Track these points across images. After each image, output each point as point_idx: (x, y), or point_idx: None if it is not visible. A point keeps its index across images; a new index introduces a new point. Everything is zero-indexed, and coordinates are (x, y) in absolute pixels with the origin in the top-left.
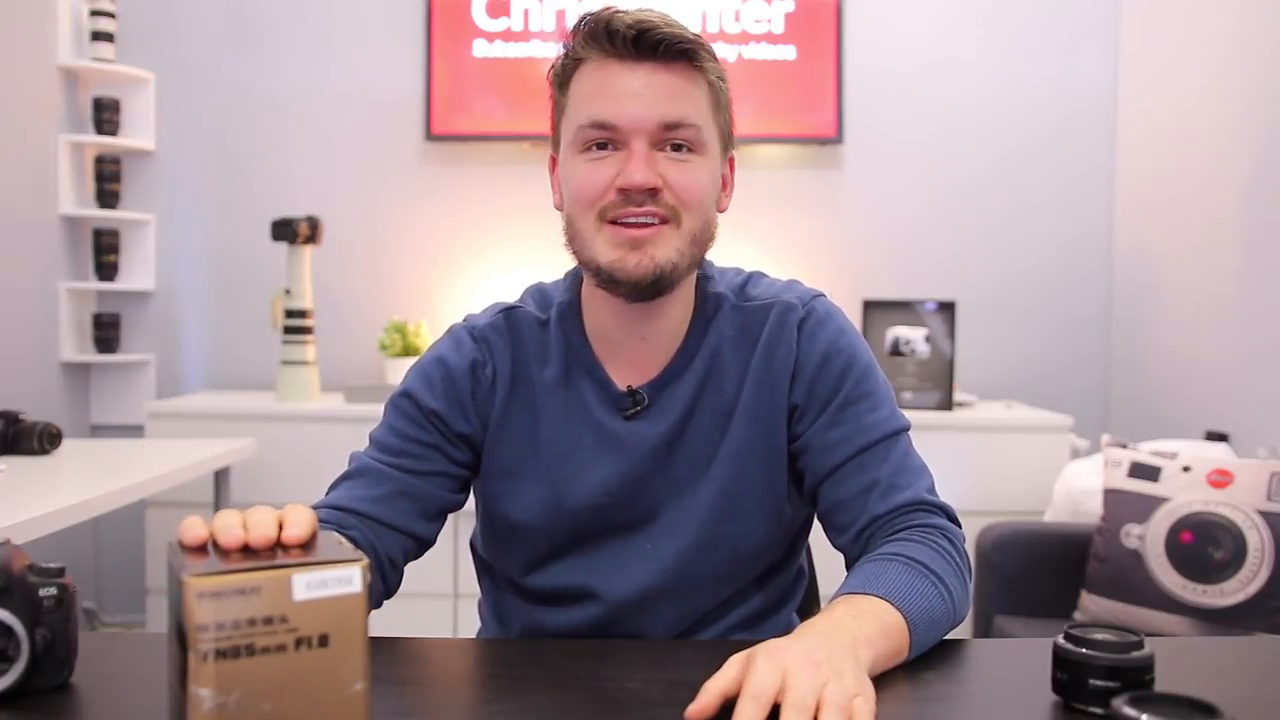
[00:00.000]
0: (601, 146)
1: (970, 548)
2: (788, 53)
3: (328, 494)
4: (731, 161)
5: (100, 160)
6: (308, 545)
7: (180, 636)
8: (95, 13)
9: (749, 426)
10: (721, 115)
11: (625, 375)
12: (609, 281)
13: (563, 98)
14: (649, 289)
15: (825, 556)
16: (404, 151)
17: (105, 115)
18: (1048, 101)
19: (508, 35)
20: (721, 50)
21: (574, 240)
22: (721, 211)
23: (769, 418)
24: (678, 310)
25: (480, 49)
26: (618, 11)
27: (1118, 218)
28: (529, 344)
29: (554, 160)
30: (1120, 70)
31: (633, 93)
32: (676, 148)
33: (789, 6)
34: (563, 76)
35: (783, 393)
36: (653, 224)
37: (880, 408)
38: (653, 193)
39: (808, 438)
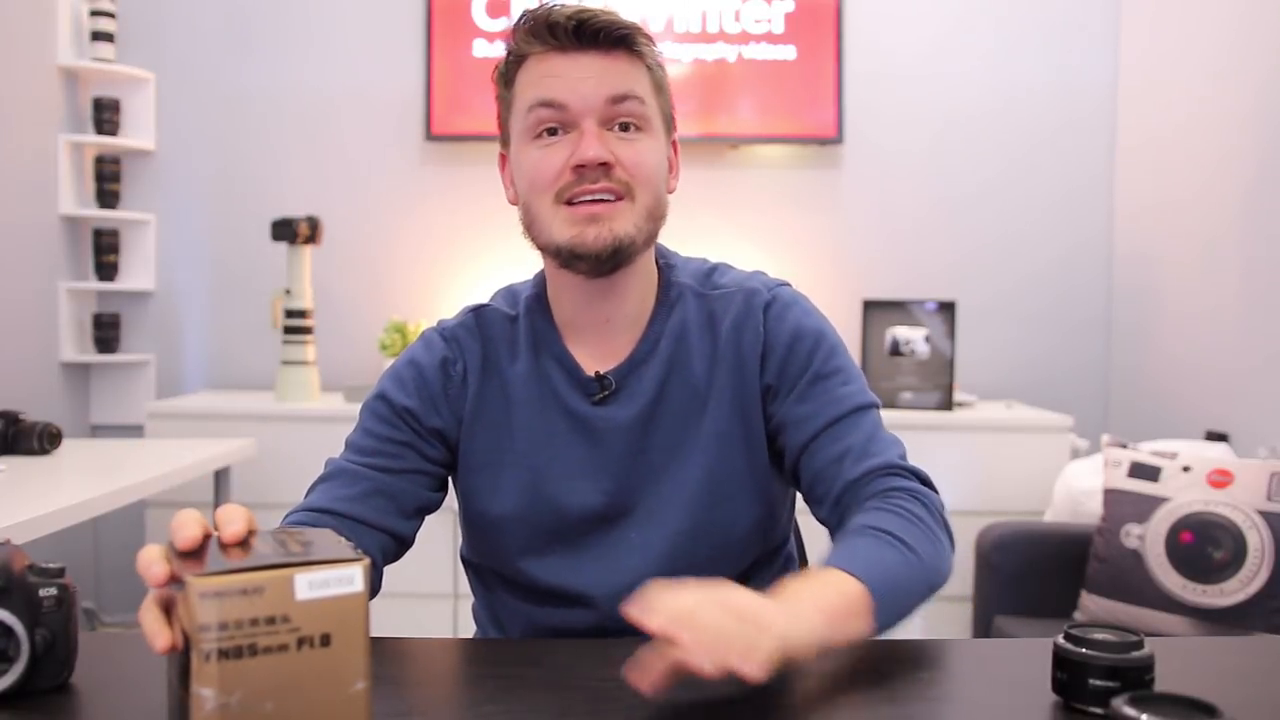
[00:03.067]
0: (552, 133)
1: (970, 548)
2: (788, 53)
3: (304, 498)
4: (675, 145)
5: (100, 160)
6: (246, 542)
7: (182, 636)
8: (95, 13)
9: (725, 410)
10: (663, 99)
11: (593, 361)
12: (570, 258)
13: (508, 93)
14: (609, 260)
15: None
16: (404, 151)
17: (105, 115)
18: (1048, 103)
19: (507, 35)
20: (721, 50)
21: (532, 225)
22: (670, 193)
23: (743, 401)
24: (638, 292)
25: (480, 49)
26: (556, 6)
27: (1118, 219)
28: (499, 339)
29: (503, 157)
30: (1121, 72)
31: (578, 76)
32: (625, 127)
33: (789, 6)
34: (508, 75)
35: (754, 374)
36: (608, 200)
37: (851, 383)
38: (606, 169)
39: (782, 415)
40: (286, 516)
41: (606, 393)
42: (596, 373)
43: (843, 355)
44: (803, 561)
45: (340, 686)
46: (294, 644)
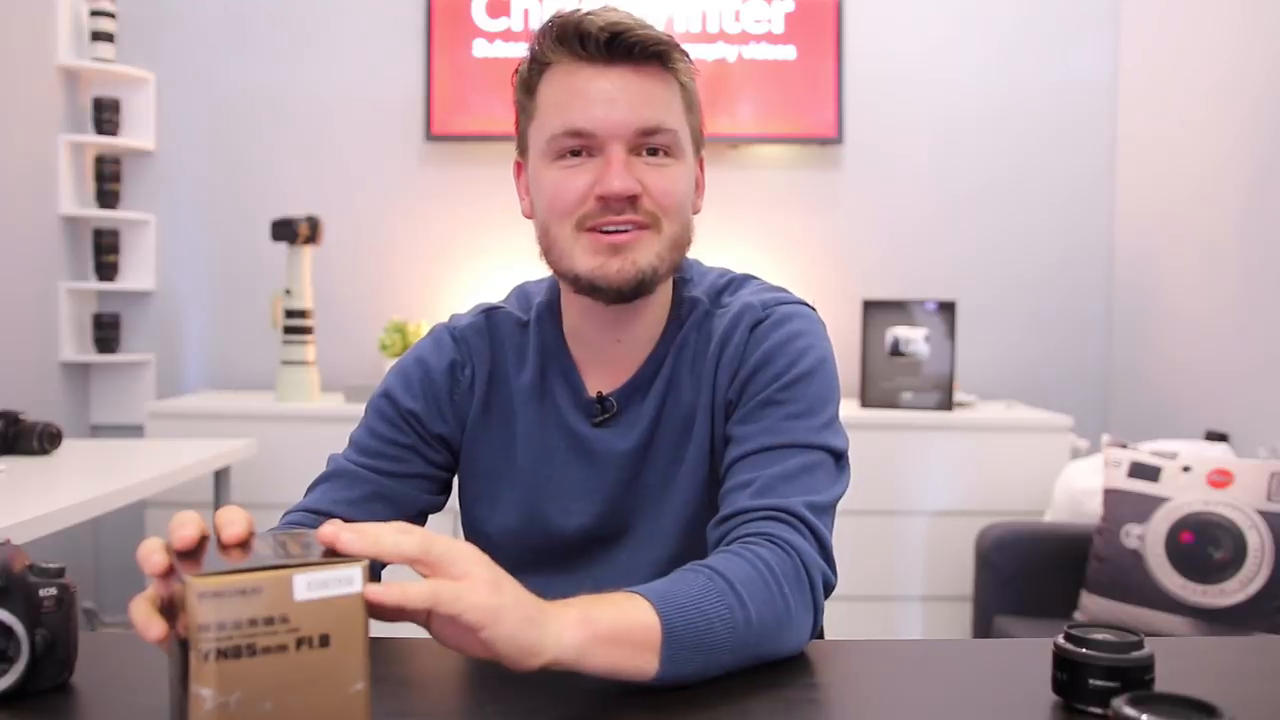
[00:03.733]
0: (575, 154)
1: (970, 548)
2: (788, 53)
3: (305, 496)
4: (701, 162)
5: (100, 160)
6: (245, 544)
7: (181, 631)
8: (95, 13)
9: (705, 432)
10: (693, 117)
11: (599, 380)
12: (589, 289)
13: (530, 102)
14: (630, 294)
15: None
16: (404, 151)
17: (105, 115)
18: (1049, 104)
19: (508, 35)
20: (721, 50)
21: (550, 250)
22: (695, 213)
23: (715, 421)
24: (652, 315)
25: (480, 49)
26: (588, 13)
27: (1118, 220)
28: (508, 346)
29: (519, 165)
30: (1121, 74)
31: (607, 98)
32: (653, 152)
33: (789, 6)
34: (529, 81)
35: (724, 391)
36: (629, 230)
37: (804, 417)
38: (632, 200)
39: (727, 432)
40: (285, 515)
41: (607, 415)
42: (599, 394)
43: (813, 388)
44: None
45: (339, 687)
46: (293, 644)
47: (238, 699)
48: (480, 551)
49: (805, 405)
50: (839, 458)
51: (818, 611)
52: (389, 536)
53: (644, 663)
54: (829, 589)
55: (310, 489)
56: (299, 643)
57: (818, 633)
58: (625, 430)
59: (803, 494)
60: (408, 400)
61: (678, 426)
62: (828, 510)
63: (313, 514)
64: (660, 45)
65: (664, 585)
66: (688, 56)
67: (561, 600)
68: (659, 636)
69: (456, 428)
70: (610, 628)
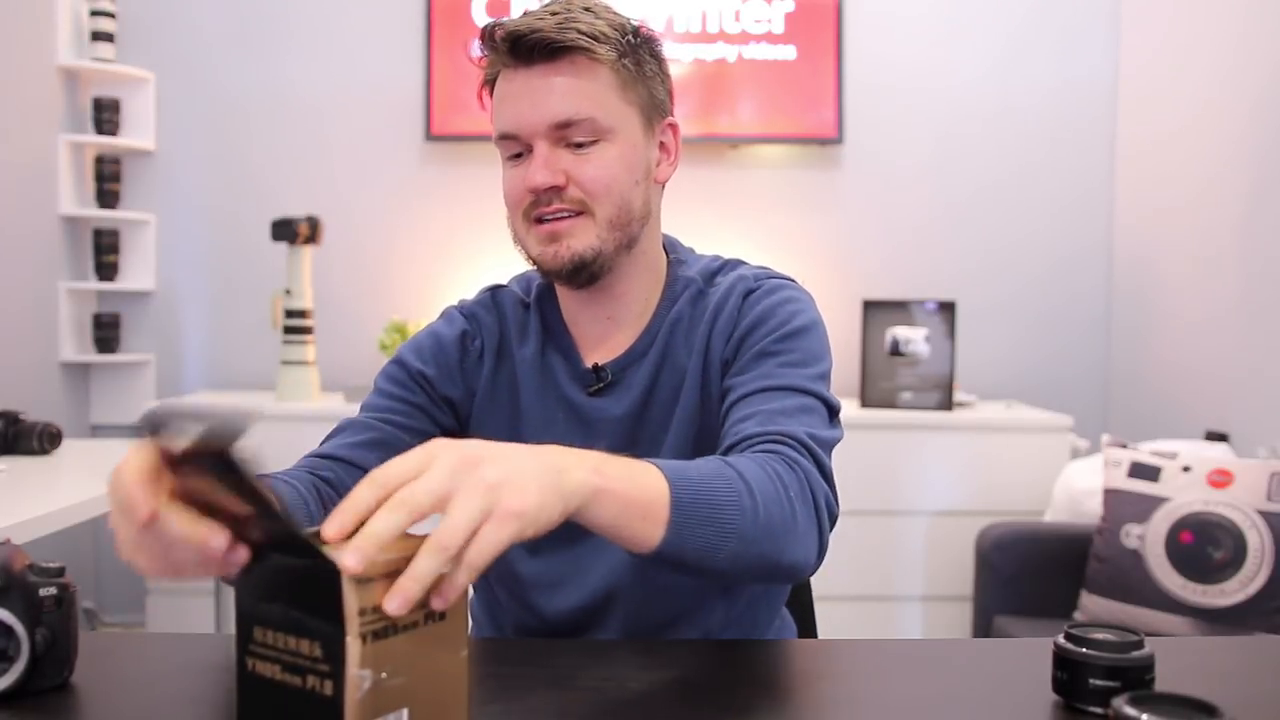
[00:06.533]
0: (518, 154)
1: (970, 548)
2: (788, 53)
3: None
4: (674, 128)
5: (100, 160)
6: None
7: (305, 616)
8: (95, 13)
9: (694, 394)
10: (636, 91)
11: (595, 353)
12: (543, 273)
13: (492, 105)
14: (574, 276)
15: None
16: (404, 151)
17: (105, 115)
18: (1049, 105)
19: None
20: (721, 50)
21: (514, 237)
22: (661, 182)
23: (710, 386)
24: (639, 290)
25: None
26: (500, 21)
27: (1119, 221)
28: (512, 321)
29: None
30: (1121, 77)
31: (522, 99)
32: (579, 143)
33: (789, 6)
34: (490, 88)
35: (718, 354)
36: (568, 217)
37: (798, 366)
38: (557, 190)
39: (724, 385)
40: (298, 462)
41: (602, 384)
42: (595, 364)
43: (806, 342)
44: None
45: (451, 653)
46: (422, 619)
47: (385, 676)
48: (434, 442)
49: (799, 356)
50: (832, 413)
51: (822, 532)
52: (377, 525)
53: (650, 527)
54: (833, 517)
55: (322, 442)
56: (426, 618)
57: (822, 557)
58: (619, 397)
59: (804, 426)
60: (418, 363)
61: (670, 394)
62: (828, 446)
63: (319, 459)
64: (560, 43)
65: (676, 463)
66: (612, 37)
67: (576, 450)
68: (666, 508)
69: (465, 395)
70: (625, 480)
